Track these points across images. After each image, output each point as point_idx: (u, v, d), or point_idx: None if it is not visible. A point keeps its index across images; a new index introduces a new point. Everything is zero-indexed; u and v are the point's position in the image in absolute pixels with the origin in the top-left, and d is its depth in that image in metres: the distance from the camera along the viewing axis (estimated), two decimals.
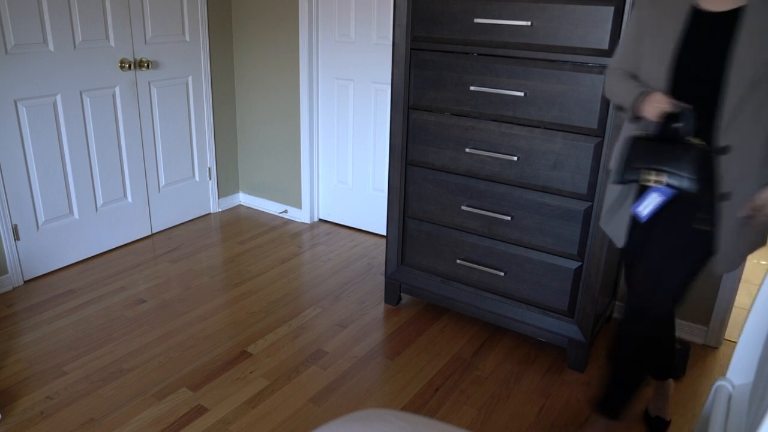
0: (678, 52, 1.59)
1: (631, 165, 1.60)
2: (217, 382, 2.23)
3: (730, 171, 1.56)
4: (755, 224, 1.59)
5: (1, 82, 2.62)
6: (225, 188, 3.90)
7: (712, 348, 2.53)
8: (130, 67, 3.11)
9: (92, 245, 3.16)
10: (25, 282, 2.90)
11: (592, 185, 2.12)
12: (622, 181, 1.62)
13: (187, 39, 3.39)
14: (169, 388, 2.18)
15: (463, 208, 2.40)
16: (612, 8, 1.93)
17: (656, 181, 1.55)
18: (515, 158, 2.23)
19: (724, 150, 1.56)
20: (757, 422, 0.99)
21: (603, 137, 2.06)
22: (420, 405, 2.14)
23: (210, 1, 3.46)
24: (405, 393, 2.20)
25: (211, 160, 3.73)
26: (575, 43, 2.03)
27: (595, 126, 2.06)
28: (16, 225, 2.80)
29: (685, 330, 2.58)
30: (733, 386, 1.38)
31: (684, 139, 1.55)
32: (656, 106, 1.57)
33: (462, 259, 2.48)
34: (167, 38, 3.28)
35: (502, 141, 2.25)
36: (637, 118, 1.66)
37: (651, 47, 1.65)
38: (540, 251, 2.30)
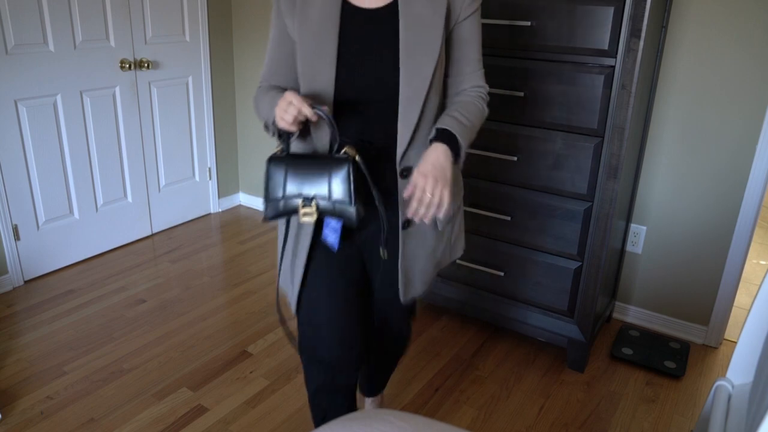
0: (339, 49, 1.32)
1: (270, 197, 1.24)
2: (217, 382, 2.23)
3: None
4: (419, 214, 1.19)
5: (1, 82, 2.62)
6: (225, 188, 3.90)
7: (712, 348, 2.53)
8: (130, 67, 3.11)
9: (92, 245, 3.16)
10: (25, 282, 2.90)
11: (592, 185, 2.12)
12: (267, 219, 1.26)
13: (187, 39, 3.39)
14: (169, 388, 2.18)
15: (463, 208, 2.39)
16: (612, 8, 1.93)
17: (304, 214, 1.21)
18: (515, 158, 2.23)
19: (407, 172, 1.32)
20: (757, 422, 0.99)
21: (603, 137, 2.07)
22: (420, 405, 2.14)
23: (210, 1, 3.46)
24: (405, 393, 2.20)
25: (211, 160, 3.73)
26: (575, 43, 2.03)
27: (595, 126, 2.06)
28: (16, 225, 2.80)
29: (685, 330, 2.58)
30: (733, 386, 1.38)
31: (337, 152, 1.20)
32: (286, 108, 1.18)
33: (462, 259, 2.48)
34: (167, 38, 3.28)
35: (502, 141, 2.26)
36: (280, 135, 1.27)
37: (314, 48, 1.32)
38: (540, 251, 2.30)
